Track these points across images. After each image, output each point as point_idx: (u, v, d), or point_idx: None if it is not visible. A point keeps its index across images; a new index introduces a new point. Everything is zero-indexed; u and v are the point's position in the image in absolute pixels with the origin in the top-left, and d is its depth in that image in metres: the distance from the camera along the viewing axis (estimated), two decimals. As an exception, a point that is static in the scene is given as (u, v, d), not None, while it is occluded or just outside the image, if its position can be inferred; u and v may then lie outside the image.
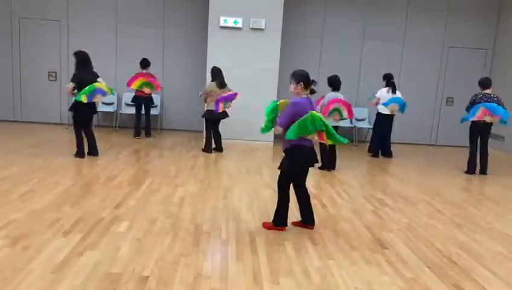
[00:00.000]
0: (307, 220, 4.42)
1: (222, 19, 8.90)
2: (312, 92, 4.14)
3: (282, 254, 3.77)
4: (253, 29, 8.99)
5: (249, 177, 6.38)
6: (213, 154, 7.80)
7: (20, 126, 9.64)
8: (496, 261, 3.94)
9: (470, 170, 7.61)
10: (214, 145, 8.00)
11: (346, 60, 10.26)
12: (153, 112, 10.11)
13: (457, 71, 10.71)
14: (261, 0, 8.97)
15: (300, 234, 4.26)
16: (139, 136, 9.01)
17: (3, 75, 9.99)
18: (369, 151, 8.94)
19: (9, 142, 7.72)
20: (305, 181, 4.37)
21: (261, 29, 8.98)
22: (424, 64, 10.55)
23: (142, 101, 8.90)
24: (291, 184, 4.31)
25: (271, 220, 4.63)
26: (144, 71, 8.76)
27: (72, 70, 10.06)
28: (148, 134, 9.10)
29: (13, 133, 8.59)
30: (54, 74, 10.07)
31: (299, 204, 4.44)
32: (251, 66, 9.01)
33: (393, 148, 10.05)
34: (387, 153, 8.81)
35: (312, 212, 4.42)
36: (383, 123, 8.62)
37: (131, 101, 9.06)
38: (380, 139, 8.72)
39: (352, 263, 3.68)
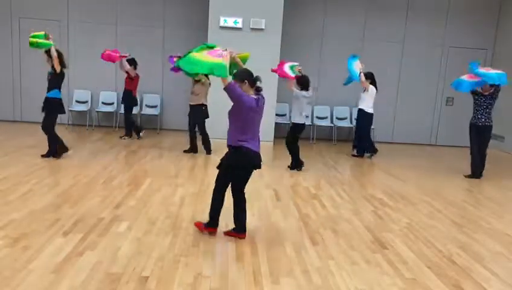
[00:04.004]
0: (239, 228, 4.04)
1: (222, 19, 8.90)
2: (258, 89, 3.94)
3: (282, 254, 3.77)
4: (253, 29, 8.99)
5: (249, 177, 6.37)
6: (202, 155, 7.74)
7: (20, 126, 9.64)
8: (496, 261, 3.94)
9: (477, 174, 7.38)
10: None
11: (346, 60, 10.23)
12: (153, 111, 10.13)
13: (457, 71, 10.68)
14: (261, 0, 8.97)
15: (300, 234, 4.26)
16: (139, 135, 8.92)
17: (3, 75, 9.98)
18: (357, 152, 8.58)
19: (10, 142, 7.72)
20: (243, 187, 4.05)
21: (261, 29, 8.98)
22: (424, 64, 10.55)
23: (130, 101, 8.86)
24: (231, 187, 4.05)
25: (271, 220, 4.64)
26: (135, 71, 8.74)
27: (72, 70, 10.12)
28: (128, 134, 8.93)
29: (13, 133, 8.59)
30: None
31: (234, 210, 4.06)
32: (251, 66, 8.94)
33: (394, 148, 10.06)
34: (361, 152, 8.58)
35: (245, 220, 4.05)
36: (370, 121, 8.44)
37: (135, 104, 9.00)
38: (359, 138, 8.52)
39: (352, 263, 3.69)
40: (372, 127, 8.74)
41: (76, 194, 5.03)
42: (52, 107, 6.65)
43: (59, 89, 6.69)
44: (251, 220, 4.54)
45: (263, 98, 3.98)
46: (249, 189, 5.22)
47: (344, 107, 10.29)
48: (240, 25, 8.94)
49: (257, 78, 3.95)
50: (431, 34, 10.50)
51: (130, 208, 4.68)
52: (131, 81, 8.76)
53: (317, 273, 3.45)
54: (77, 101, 10.03)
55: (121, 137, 8.77)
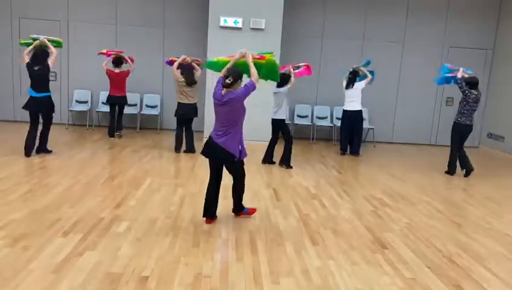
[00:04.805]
0: (234, 208, 4.63)
1: (222, 19, 8.90)
2: (225, 85, 4.13)
3: (282, 254, 3.77)
4: (253, 29, 8.98)
5: (249, 177, 6.35)
6: (182, 155, 7.73)
7: (20, 126, 9.63)
8: (496, 261, 3.95)
9: (452, 171, 7.51)
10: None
11: (346, 60, 10.24)
12: (153, 112, 10.14)
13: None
14: (261, 0, 8.96)
15: (300, 234, 4.27)
16: (114, 136, 8.88)
17: (3, 75, 9.98)
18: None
19: (9, 142, 7.72)
20: (231, 174, 4.46)
21: (261, 29, 8.98)
22: (424, 64, 10.54)
23: (117, 100, 8.82)
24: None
25: (271, 220, 4.65)
26: (117, 70, 8.71)
27: (72, 70, 10.14)
28: (118, 130, 8.94)
29: (13, 133, 8.59)
30: (53, 74, 10.04)
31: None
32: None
33: (394, 148, 10.06)
34: (353, 151, 8.69)
35: (236, 200, 4.58)
36: (343, 120, 8.64)
37: (107, 102, 8.96)
38: (346, 136, 8.69)
39: (352, 263, 3.69)
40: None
41: (77, 194, 5.03)
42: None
43: (30, 86, 6.75)
44: (251, 220, 4.55)
45: (231, 94, 4.11)
46: (249, 189, 5.23)
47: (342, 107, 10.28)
48: (239, 25, 8.94)
49: (226, 75, 4.17)
50: (431, 34, 10.50)
51: (130, 208, 4.68)
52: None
53: (317, 273, 3.45)
54: (77, 101, 10.03)
55: (116, 133, 8.88)
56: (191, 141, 7.84)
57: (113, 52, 8.76)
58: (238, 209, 4.61)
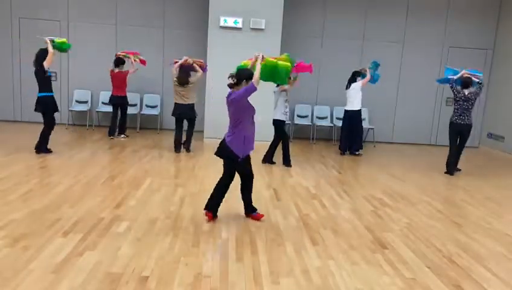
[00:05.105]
0: (246, 209, 4.65)
1: (222, 19, 8.90)
2: (230, 86, 4.29)
3: (282, 254, 3.77)
4: (253, 29, 8.98)
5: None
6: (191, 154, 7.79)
7: (20, 126, 9.64)
8: (496, 261, 3.94)
9: (451, 171, 7.55)
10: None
11: (346, 60, 10.25)
12: (153, 112, 10.14)
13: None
14: (261, 0, 8.96)
15: (300, 234, 4.27)
16: (113, 135, 8.92)
17: (3, 75, 9.98)
18: (355, 150, 8.81)
19: (10, 142, 7.72)
20: (239, 173, 4.51)
21: (261, 29, 8.98)
22: (424, 64, 10.55)
23: (118, 101, 8.85)
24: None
25: (271, 220, 4.65)
26: (117, 70, 8.75)
27: (72, 70, 10.14)
28: (120, 133, 9.02)
29: (13, 133, 8.59)
30: (53, 74, 10.04)
31: None
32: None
33: (394, 148, 10.06)
34: (352, 152, 8.73)
35: (245, 202, 4.63)
36: (344, 120, 8.72)
37: (109, 102, 9.05)
38: (346, 136, 8.73)
39: (352, 263, 3.69)
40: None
41: (77, 194, 5.03)
42: None
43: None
44: (251, 220, 4.55)
45: (234, 94, 4.25)
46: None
47: (344, 107, 10.28)
48: (239, 25, 8.93)
49: (230, 76, 4.32)
50: (431, 34, 10.50)
51: (130, 208, 4.68)
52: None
53: (317, 273, 3.45)
54: (77, 101, 10.03)
55: (122, 136, 8.85)
56: (188, 140, 7.88)
57: (123, 54, 8.80)
58: (250, 210, 4.61)
